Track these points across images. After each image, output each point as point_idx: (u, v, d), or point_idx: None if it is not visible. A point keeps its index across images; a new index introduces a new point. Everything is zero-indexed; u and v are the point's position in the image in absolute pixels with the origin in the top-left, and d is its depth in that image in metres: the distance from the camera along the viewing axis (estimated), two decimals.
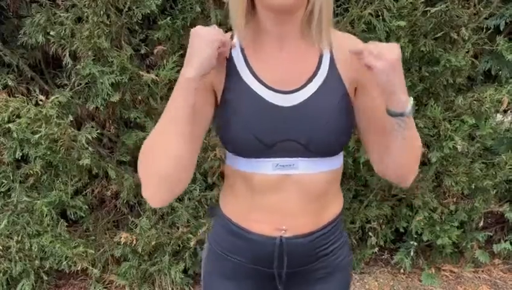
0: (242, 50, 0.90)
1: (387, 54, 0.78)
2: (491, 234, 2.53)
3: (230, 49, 0.90)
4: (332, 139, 0.88)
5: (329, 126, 0.87)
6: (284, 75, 0.87)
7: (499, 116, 2.21)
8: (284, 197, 0.91)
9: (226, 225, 0.99)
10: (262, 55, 0.89)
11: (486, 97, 2.08)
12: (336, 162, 0.93)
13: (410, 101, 0.82)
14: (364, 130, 0.94)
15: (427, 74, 2.07)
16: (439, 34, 2.01)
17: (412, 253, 2.45)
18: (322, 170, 0.90)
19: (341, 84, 0.89)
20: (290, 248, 0.93)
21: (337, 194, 1.00)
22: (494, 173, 2.27)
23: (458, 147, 2.10)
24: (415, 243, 2.42)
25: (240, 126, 0.87)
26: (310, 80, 0.87)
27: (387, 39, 1.94)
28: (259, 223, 0.94)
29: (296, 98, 0.86)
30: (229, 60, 0.90)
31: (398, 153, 0.88)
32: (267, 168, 0.89)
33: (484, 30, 2.07)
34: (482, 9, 2.00)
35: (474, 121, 2.13)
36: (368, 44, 0.82)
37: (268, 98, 0.86)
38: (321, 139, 0.87)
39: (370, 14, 1.88)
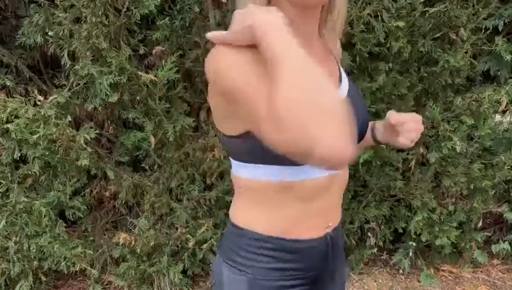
0: None
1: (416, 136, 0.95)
2: (490, 234, 2.52)
3: None
4: (367, 128, 0.95)
5: (365, 117, 0.93)
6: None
7: (498, 117, 2.21)
8: (329, 197, 0.89)
9: (273, 245, 0.87)
10: None
11: (485, 98, 2.08)
12: None
13: None
14: None
15: (425, 75, 2.08)
16: (437, 35, 2.01)
17: (410, 253, 2.44)
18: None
19: (351, 81, 0.95)
20: (334, 241, 0.93)
21: None
22: (492, 173, 2.27)
23: (457, 147, 2.10)
24: (414, 244, 2.42)
25: None
26: (340, 78, 0.90)
27: (386, 39, 1.94)
28: (309, 229, 0.88)
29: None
30: None
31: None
32: (317, 171, 0.84)
33: (483, 30, 2.07)
34: (480, 9, 2.00)
35: (473, 122, 2.13)
36: (403, 120, 0.94)
37: None
38: (363, 131, 0.93)
39: (369, 14, 1.88)
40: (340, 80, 0.90)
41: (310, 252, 0.89)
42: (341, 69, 0.93)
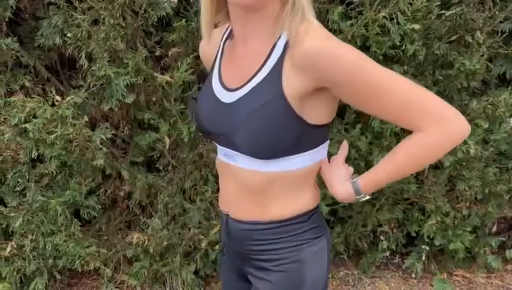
0: (224, 45, 1.00)
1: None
2: (504, 239, 2.50)
3: (221, 42, 1.01)
4: (250, 139, 0.88)
5: (246, 125, 0.88)
6: (235, 73, 0.93)
7: None
8: (226, 183, 1.03)
9: None
10: (231, 53, 0.97)
11: (500, 101, 2.07)
12: (280, 165, 0.92)
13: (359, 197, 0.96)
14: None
15: (441, 78, 2.06)
16: (453, 38, 1.99)
17: (423, 257, 2.43)
18: (258, 170, 0.93)
19: (277, 87, 0.85)
20: (230, 228, 1.04)
21: (287, 196, 0.97)
22: (508, 177, 2.24)
23: (471, 151, 2.08)
24: (427, 248, 2.40)
25: (196, 113, 1.02)
26: (250, 80, 0.89)
27: (402, 42, 1.93)
28: (220, 200, 1.08)
29: (233, 96, 0.91)
30: (217, 53, 1.02)
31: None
32: (220, 153, 1.01)
33: (499, 34, 2.05)
34: (497, 12, 1.99)
35: (488, 125, 2.12)
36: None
37: (218, 93, 0.95)
38: (243, 140, 0.90)
39: (384, 17, 1.88)
40: (250, 80, 0.88)
41: (220, 220, 1.09)
42: (266, 67, 0.86)
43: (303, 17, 0.84)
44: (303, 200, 0.99)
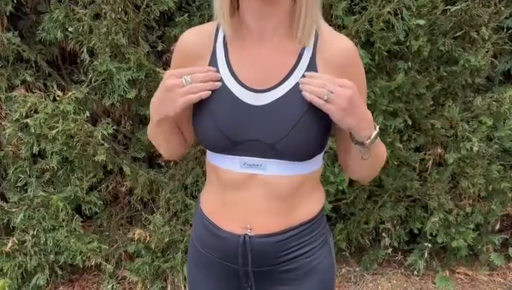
0: (225, 44, 0.89)
1: (338, 100, 0.80)
2: (507, 237, 2.49)
3: (216, 42, 0.90)
4: (300, 144, 0.86)
5: (296, 130, 0.84)
6: (259, 74, 0.87)
7: None
8: (249, 196, 0.91)
9: (201, 218, 1.01)
10: (243, 51, 0.88)
11: (505, 98, 2.05)
12: (309, 166, 0.92)
13: (373, 132, 0.85)
14: (334, 131, 0.97)
15: (445, 74, 2.05)
16: (458, 33, 1.98)
17: (426, 255, 2.42)
18: (290, 174, 0.89)
19: None
20: (255, 246, 0.93)
21: (312, 194, 0.98)
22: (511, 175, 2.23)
23: (474, 148, 2.07)
24: (429, 245, 2.39)
25: (209, 120, 0.87)
26: (283, 80, 0.85)
27: (406, 38, 1.92)
28: (226, 220, 0.95)
29: (266, 97, 0.85)
30: (213, 53, 0.90)
31: (357, 168, 0.96)
32: (234, 165, 0.89)
33: (504, 30, 2.04)
34: (502, 8, 1.98)
35: (492, 122, 2.10)
36: (318, 79, 0.83)
37: (240, 95, 0.86)
38: (287, 143, 0.85)
39: (389, 12, 1.86)
40: (285, 80, 0.85)
41: (222, 242, 0.96)
42: (300, 66, 0.86)
43: (315, 16, 0.85)
44: (321, 196, 1.02)
